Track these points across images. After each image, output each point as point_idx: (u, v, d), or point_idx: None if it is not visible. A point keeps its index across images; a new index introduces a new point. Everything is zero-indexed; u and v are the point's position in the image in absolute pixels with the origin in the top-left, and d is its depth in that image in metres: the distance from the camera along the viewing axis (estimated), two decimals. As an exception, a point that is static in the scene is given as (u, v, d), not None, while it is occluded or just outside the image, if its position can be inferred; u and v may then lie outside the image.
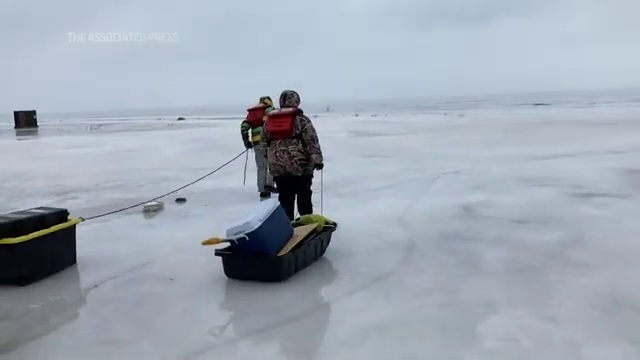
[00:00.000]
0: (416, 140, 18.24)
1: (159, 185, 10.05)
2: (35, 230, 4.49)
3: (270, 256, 4.36)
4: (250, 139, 8.72)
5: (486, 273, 4.45)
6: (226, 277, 4.54)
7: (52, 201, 8.82)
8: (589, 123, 23.09)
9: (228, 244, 4.51)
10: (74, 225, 5.02)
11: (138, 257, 5.28)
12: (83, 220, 5.30)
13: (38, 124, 47.72)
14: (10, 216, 4.63)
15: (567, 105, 54.81)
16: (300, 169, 5.54)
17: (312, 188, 5.83)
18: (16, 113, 47.24)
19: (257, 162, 8.72)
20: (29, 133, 35.51)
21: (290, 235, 4.77)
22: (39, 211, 4.84)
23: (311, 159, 5.55)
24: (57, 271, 4.78)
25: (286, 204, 5.59)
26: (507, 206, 6.92)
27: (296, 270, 4.55)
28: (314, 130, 5.62)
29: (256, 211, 4.60)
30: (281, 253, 4.42)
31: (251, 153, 8.90)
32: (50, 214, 4.77)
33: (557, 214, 6.39)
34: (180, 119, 51.58)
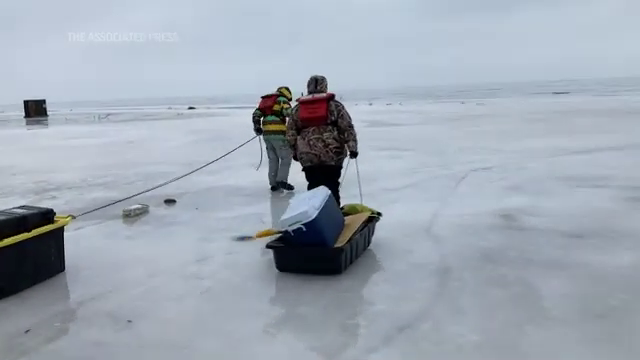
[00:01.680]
0: (435, 131, 16.97)
1: (152, 182, 8.96)
2: (14, 234, 3.91)
3: (328, 247, 4.08)
4: (261, 126, 7.95)
5: (552, 318, 3.26)
6: (199, 318, 3.43)
7: (29, 201, 7.78)
8: (620, 112, 21.58)
9: (276, 236, 4.33)
10: (62, 227, 4.40)
11: (98, 283, 4.18)
12: (74, 218, 4.73)
13: (48, 113, 47.08)
14: None
15: (589, 93, 52.81)
16: (335, 157, 5.23)
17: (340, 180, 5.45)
18: (26, 102, 46.62)
19: (268, 153, 7.94)
20: (36, 123, 34.77)
21: (342, 225, 4.49)
22: (20, 211, 4.17)
23: (348, 146, 5.26)
24: (42, 280, 4.21)
25: None
26: (556, 214, 5.70)
27: (351, 262, 4.24)
28: (350, 116, 5.29)
29: (307, 200, 4.28)
30: (338, 244, 4.14)
31: (263, 143, 8.09)
32: (32, 215, 4.13)
33: (622, 225, 5.16)
34: (191, 108, 50.66)
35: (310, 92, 5.39)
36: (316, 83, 5.40)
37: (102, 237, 5.63)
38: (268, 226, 5.69)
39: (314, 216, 4.03)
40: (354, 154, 5.30)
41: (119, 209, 6.55)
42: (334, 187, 5.28)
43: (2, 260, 3.85)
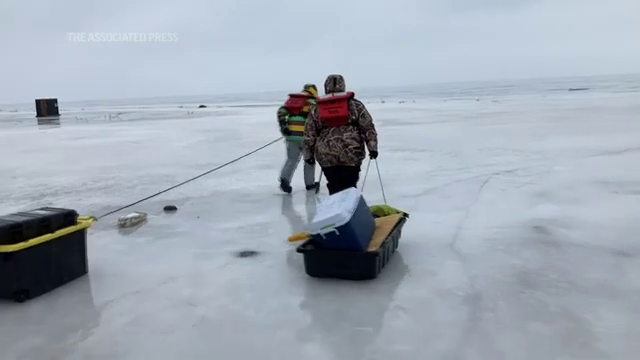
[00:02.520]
0: (451, 129, 16.32)
1: (154, 186, 8.50)
2: (37, 235, 3.87)
3: (362, 251, 3.92)
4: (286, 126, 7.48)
5: (612, 365, 2.69)
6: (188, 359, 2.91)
7: (23, 207, 7.35)
8: (644, 109, 20.75)
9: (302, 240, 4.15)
10: (84, 228, 4.36)
11: (79, 311, 3.69)
12: (96, 220, 4.67)
13: (60, 112, 47.01)
14: (8, 219, 3.94)
15: (607, 90, 51.63)
16: (355, 158, 5.12)
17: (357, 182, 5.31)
18: (37, 102, 46.57)
19: (289, 153, 7.50)
20: (47, 122, 34.59)
21: (373, 227, 4.35)
22: (42, 212, 4.15)
23: (369, 146, 5.15)
24: (65, 282, 4.14)
25: None
26: (595, 226, 5.11)
27: (383, 266, 4.07)
28: (371, 115, 5.19)
29: (338, 203, 4.10)
30: (371, 247, 3.99)
31: (284, 142, 7.70)
32: (55, 216, 4.10)
33: (674, 241, 4.56)
34: (202, 107, 50.44)
35: (329, 91, 5.25)
36: (335, 82, 5.27)
37: (92, 251, 5.08)
38: (274, 238, 5.19)
39: (348, 219, 3.86)
40: (374, 154, 5.17)
41: (115, 218, 6.09)
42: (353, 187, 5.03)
43: (27, 262, 3.79)
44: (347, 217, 3.86)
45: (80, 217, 4.36)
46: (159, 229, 5.82)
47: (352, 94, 5.19)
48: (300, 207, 6.77)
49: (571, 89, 58.82)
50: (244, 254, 4.72)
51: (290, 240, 4.28)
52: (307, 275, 4.07)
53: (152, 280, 4.18)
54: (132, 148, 14.76)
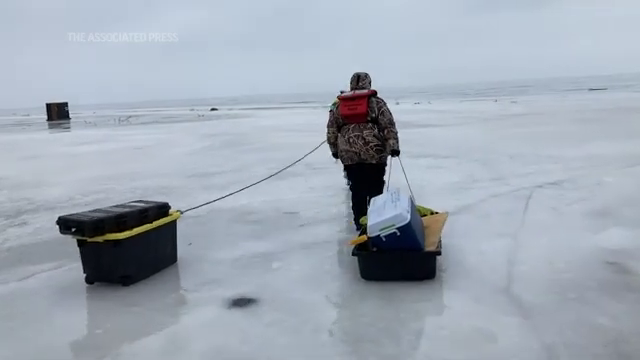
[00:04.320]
0: (474, 133, 15.17)
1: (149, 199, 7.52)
2: (138, 225, 4.11)
3: (422, 251, 3.85)
4: None
5: None
6: None
7: (-5, 227, 6.45)
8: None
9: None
10: (175, 220, 4.59)
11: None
12: (182, 213, 4.73)
13: (70, 116, 46.58)
14: (112, 210, 4.19)
15: (627, 89, 49.92)
16: (376, 156, 5.05)
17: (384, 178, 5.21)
18: (48, 105, 46.18)
19: None
20: (55, 126, 34.04)
21: (423, 227, 4.26)
22: (140, 204, 4.37)
23: (388, 144, 5.03)
24: (159, 270, 4.38)
25: (359, 197, 5.16)
26: (688, 261, 3.99)
27: None
28: (391, 113, 5.16)
29: (391, 203, 3.98)
30: (429, 247, 3.91)
31: None
32: (152, 207, 4.33)
33: None
34: (213, 109, 49.72)
35: (352, 89, 5.23)
36: (358, 80, 5.26)
37: (53, 293, 4.12)
38: (278, 276, 4.16)
39: (409, 219, 3.77)
40: (395, 152, 5.03)
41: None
42: (379, 187, 5.10)
43: (131, 249, 4.01)
44: (408, 217, 3.77)
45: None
46: (140, 260, 4.80)
47: (374, 92, 5.13)
48: (313, 229, 5.66)
49: (591, 89, 57.10)
50: (238, 302, 3.67)
51: (352, 244, 4.08)
52: (322, 339, 3.04)
53: (116, 343, 3.16)
54: (133, 155, 13.86)
